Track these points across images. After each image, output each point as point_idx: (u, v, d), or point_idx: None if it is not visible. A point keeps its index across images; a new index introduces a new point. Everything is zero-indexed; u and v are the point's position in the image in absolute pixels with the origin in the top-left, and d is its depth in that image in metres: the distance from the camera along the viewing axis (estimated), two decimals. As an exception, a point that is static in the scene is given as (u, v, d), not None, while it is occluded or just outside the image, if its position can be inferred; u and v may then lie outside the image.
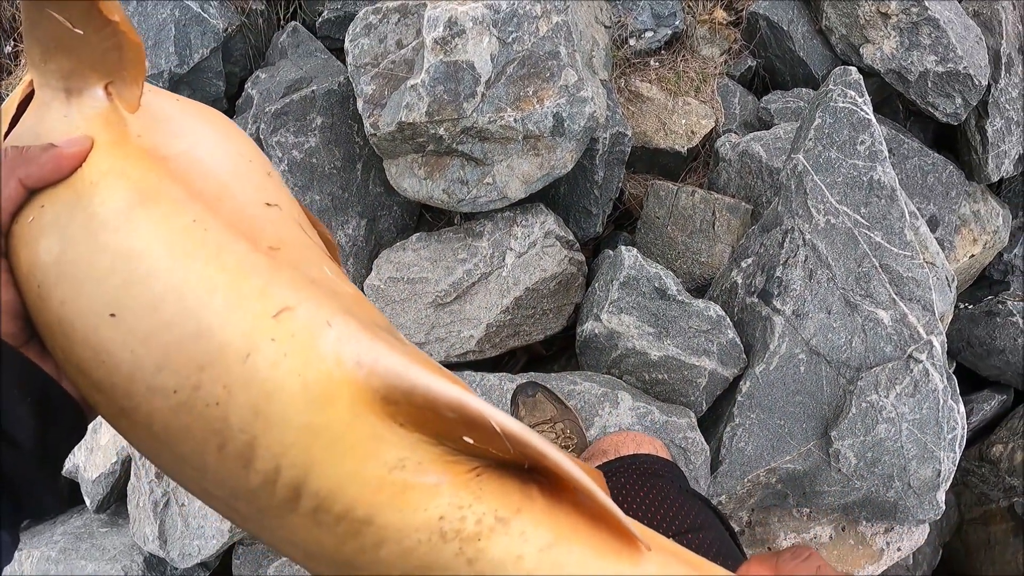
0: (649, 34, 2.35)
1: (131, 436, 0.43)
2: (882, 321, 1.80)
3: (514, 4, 1.80)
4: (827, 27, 2.41)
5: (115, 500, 2.03)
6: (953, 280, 2.10)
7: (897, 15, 2.30)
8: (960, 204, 2.42)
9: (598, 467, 1.12)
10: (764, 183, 2.18)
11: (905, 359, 1.80)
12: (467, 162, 1.87)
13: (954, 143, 2.52)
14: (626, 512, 0.44)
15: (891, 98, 2.50)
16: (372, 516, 0.39)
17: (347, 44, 1.93)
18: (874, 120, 1.83)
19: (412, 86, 1.77)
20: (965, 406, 2.67)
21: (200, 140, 0.49)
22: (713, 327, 1.84)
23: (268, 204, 0.48)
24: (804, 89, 2.39)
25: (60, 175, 0.43)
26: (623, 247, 1.89)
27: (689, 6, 2.45)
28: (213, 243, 0.42)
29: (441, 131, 1.80)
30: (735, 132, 2.37)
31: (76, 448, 1.99)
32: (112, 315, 0.40)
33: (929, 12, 2.27)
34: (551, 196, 2.15)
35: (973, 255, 2.50)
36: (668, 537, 0.44)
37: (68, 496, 2.09)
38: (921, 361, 1.79)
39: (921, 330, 1.81)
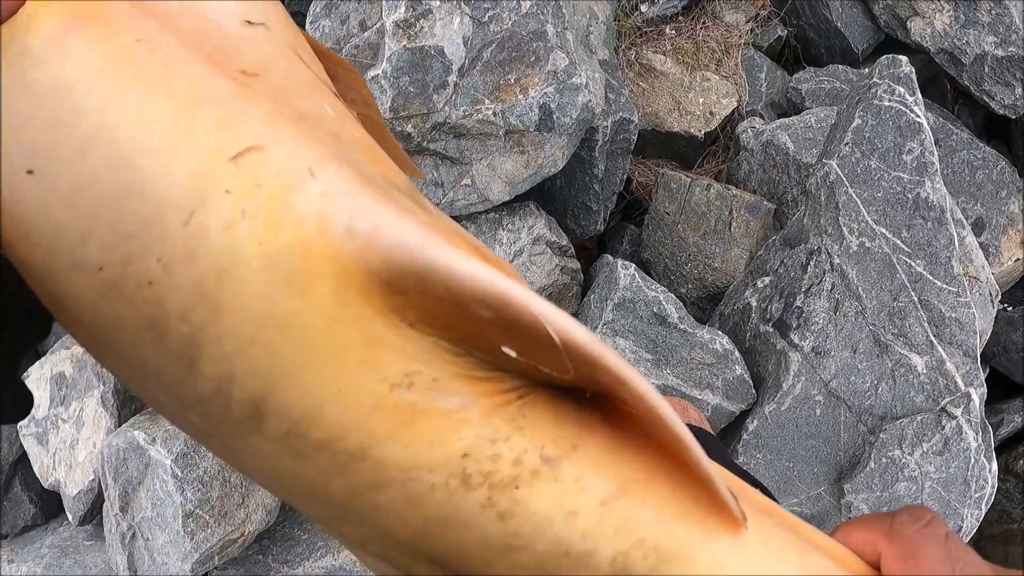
0: (664, -2, 1.94)
1: (71, 331, 0.32)
2: (915, 368, 1.45)
3: (494, -26, 1.42)
4: (871, -7, 1.99)
5: (97, 512, 1.86)
6: (997, 295, 1.78)
7: (954, -16, 1.88)
8: (1010, 203, 2.04)
9: None
10: (790, 179, 1.80)
11: (937, 412, 1.47)
12: (441, 161, 1.52)
13: (1007, 131, 2.12)
14: None
15: (939, 77, 2.09)
16: (365, 449, 0.27)
17: (307, 25, 1.57)
18: (926, 124, 1.45)
19: (373, 78, 1.41)
20: (994, 416, 2.35)
21: None
22: (719, 361, 1.51)
23: (250, 23, 0.34)
24: (840, 66, 1.98)
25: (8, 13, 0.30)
26: (619, 262, 1.55)
27: (713, -36, 2.02)
28: (159, 65, 0.29)
29: (409, 128, 1.45)
30: (760, 114, 1.98)
31: (56, 463, 1.82)
32: (30, 172, 0.28)
33: (992, -18, 1.85)
34: (546, 189, 1.80)
35: (1019, 259, 2.13)
36: None
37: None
38: (955, 417, 1.46)
39: (959, 380, 1.46)
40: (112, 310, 0.29)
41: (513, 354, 0.27)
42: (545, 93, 1.47)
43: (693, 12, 2.01)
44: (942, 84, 2.11)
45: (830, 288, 1.47)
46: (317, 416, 0.28)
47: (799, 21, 2.07)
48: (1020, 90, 1.88)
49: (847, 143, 1.47)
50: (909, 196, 1.45)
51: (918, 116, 1.44)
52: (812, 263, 1.49)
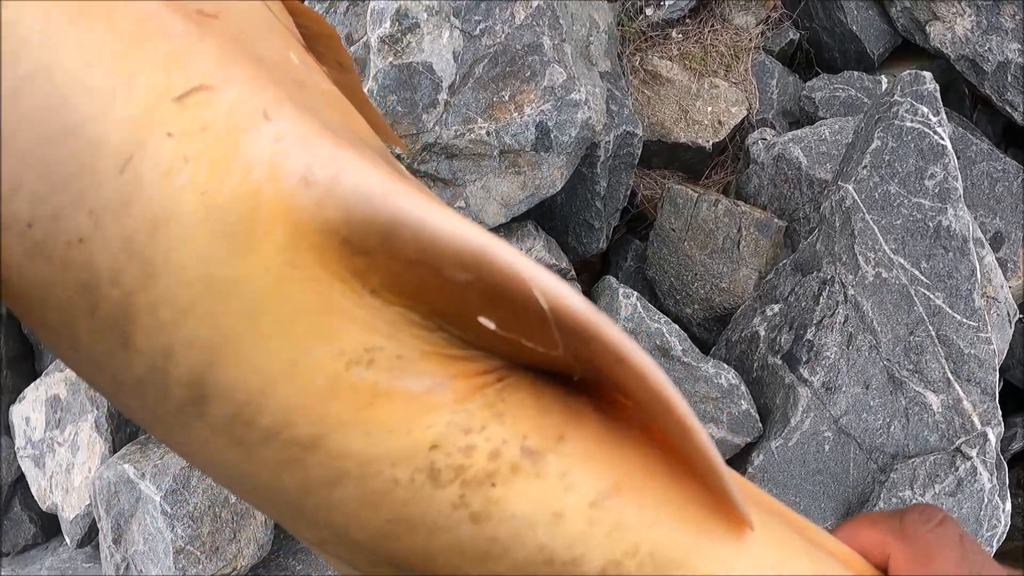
0: (670, 1, 1.81)
1: (8, 304, 0.26)
2: (930, 406, 1.36)
3: (485, -16, 1.30)
4: (888, -5, 1.86)
5: (95, 535, 1.80)
6: (1015, 315, 1.68)
7: (977, -13, 1.75)
8: (1030, 212, 1.93)
9: None
10: (803, 195, 1.69)
11: (951, 452, 1.37)
12: (433, 183, 1.41)
13: (1028, 139, 2.00)
14: None
15: (957, 82, 1.97)
16: (319, 438, 0.23)
17: (290, 25, 1.45)
18: (950, 147, 1.34)
19: (358, 92, 1.30)
20: (1007, 430, 2.26)
21: None
22: (724, 396, 1.42)
23: None
24: (856, 73, 1.86)
25: None
26: (621, 290, 1.45)
27: (723, -36, 1.90)
28: (107, 2, 0.24)
29: (398, 150, 1.34)
30: (771, 123, 1.86)
31: (53, 486, 1.78)
32: None
33: (1018, -15, 1.72)
34: (546, 206, 1.70)
35: (1037, 271, 2.02)
36: None
37: None
38: (971, 458, 1.36)
39: (976, 420, 1.36)
40: (41, 274, 0.25)
41: (492, 326, 0.23)
42: (542, 110, 1.36)
43: (701, 15, 1.88)
44: (960, 89, 1.99)
45: (843, 321, 1.37)
46: (264, 399, 0.24)
47: (812, 23, 1.94)
48: (1045, 100, 1.76)
49: (865, 166, 1.36)
50: (930, 224, 1.34)
51: (942, 138, 1.33)
52: (824, 294, 1.39)
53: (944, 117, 1.34)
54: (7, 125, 0.24)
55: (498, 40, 1.33)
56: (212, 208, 0.23)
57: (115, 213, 0.23)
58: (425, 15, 1.27)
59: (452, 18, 1.31)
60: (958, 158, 1.83)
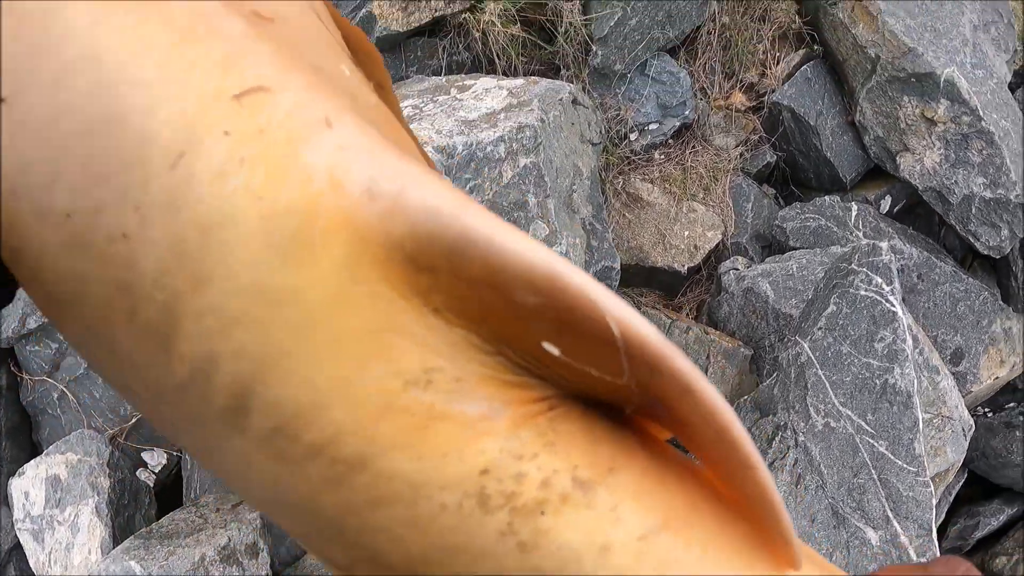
0: (654, 126, 1.92)
1: (31, 294, 0.26)
2: (869, 541, 1.47)
3: (472, 146, 1.42)
4: (861, 123, 1.96)
5: None
6: (970, 429, 1.80)
7: (945, 123, 1.85)
8: (992, 328, 2.03)
9: None
10: (769, 326, 1.81)
11: (893, 585, 1.49)
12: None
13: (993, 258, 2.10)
14: None
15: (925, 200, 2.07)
16: (368, 458, 0.22)
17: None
18: (900, 313, 1.45)
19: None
20: (971, 518, 2.38)
21: None
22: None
23: None
24: (827, 200, 1.96)
25: None
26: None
27: (703, 89, 2.00)
28: None
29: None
30: (745, 248, 1.97)
31: (52, 561, 1.84)
32: (1, 100, 0.23)
33: (983, 124, 1.82)
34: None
35: (997, 377, 2.13)
36: None
37: None
38: (911, 591, 1.48)
39: (912, 552, 1.48)
40: (78, 268, 0.23)
41: (556, 352, 0.22)
42: (524, 267, 1.48)
43: (683, 136, 1.99)
44: (928, 205, 2.09)
45: (793, 463, 1.49)
46: (312, 415, 0.23)
47: (789, 146, 2.05)
48: (1005, 232, 1.86)
49: (820, 327, 1.47)
50: (877, 382, 1.45)
51: (893, 306, 1.44)
52: (778, 438, 1.50)
53: (897, 286, 1.45)
54: (49, 112, 0.23)
55: (486, 197, 1.45)
56: (268, 216, 0.22)
57: (163, 211, 0.22)
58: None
59: (444, 177, 1.43)
60: (922, 281, 1.93)
